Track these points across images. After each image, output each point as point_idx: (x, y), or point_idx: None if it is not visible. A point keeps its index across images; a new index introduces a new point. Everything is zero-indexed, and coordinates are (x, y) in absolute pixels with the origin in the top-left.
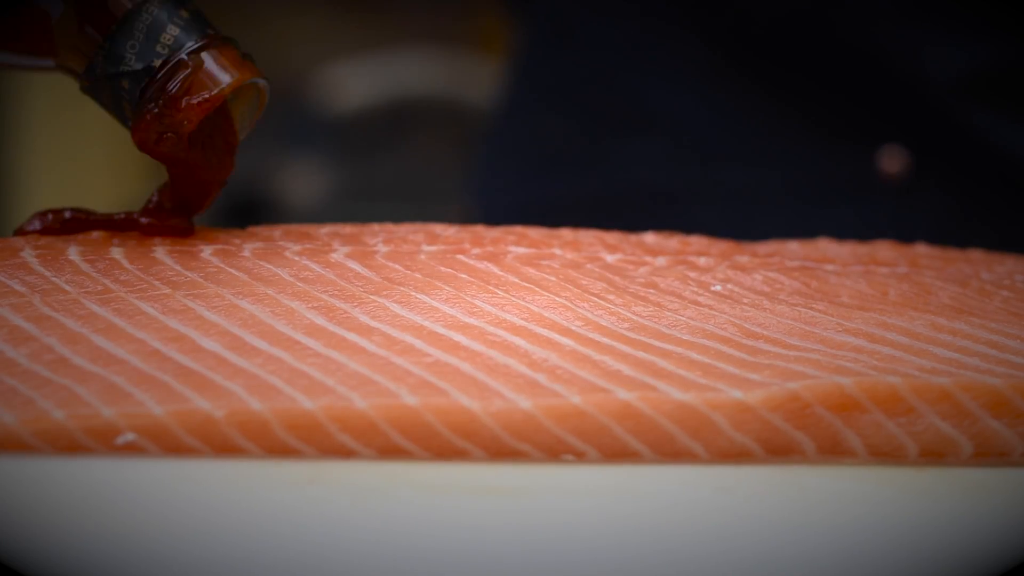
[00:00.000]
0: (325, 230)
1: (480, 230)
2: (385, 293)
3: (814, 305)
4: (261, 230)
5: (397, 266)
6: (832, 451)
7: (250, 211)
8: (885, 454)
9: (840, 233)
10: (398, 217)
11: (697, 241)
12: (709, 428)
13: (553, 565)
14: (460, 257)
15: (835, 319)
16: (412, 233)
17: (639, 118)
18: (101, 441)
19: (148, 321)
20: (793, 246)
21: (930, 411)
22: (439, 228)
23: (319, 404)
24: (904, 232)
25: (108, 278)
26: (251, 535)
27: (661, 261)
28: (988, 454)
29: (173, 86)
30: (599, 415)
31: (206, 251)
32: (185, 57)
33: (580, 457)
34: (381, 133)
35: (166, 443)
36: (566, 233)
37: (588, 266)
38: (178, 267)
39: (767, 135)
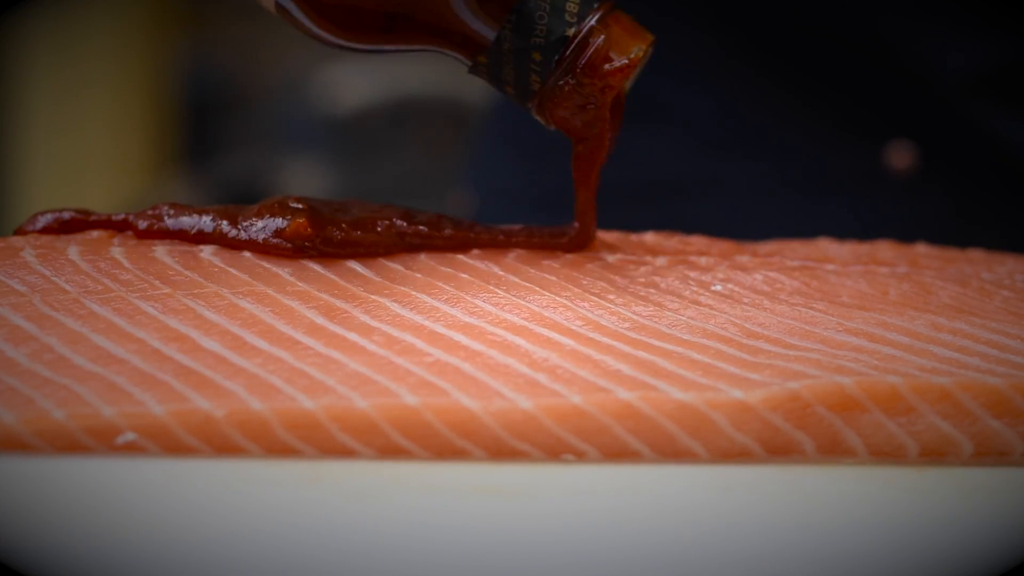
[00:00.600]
0: None
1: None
2: (385, 293)
3: (814, 305)
4: None
5: (397, 266)
6: (832, 451)
7: None
8: (885, 454)
9: (844, 229)
10: None
11: (697, 241)
12: (709, 428)
13: (553, 565)
14: (460, 257)
15: (835, 319)
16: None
17: (642, 111)
18: (101, 441)
19: (148, 321)
20: (794, 245)
21: (930, 411)
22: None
23: (319, 404)
24: (909, 229)
25: (108, 278)
26: (251, 535)
27: (661, 261)
28: (988, 454)
29: (587, 55)
30: (599, 415)
31: (206, 251)
32: (595, 24)
33: (580, 457)
34: (380, 133)
35: (166, 443)
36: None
37: (588, 266)
38: (178, 267)
39: (772, 129)
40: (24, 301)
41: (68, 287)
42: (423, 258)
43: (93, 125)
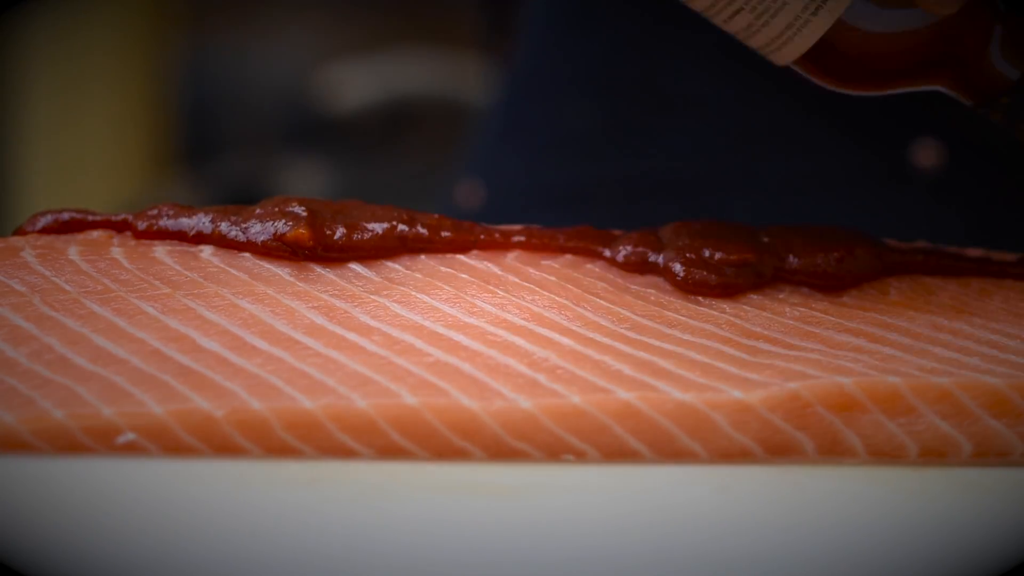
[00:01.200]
0: None
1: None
2: (385, 293)
3: (814, 305)
4: None
5: (397, 266)
6: (832, 451)
7: None
8: (885, 454)
9: (869, 227)
10: None
11: None
12: (709, 428)
13: (553, 565)
14: (460, 257)
15: (835, 319)
16: None
17: (668, 104)
18: (101, 441)
19: (148, 321)
20: None
21: (930, 411)
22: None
23: (319, 404)
24: (938, 225)
25: (108, 278)
26: (251, 535)
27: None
28: (988, 454)
29: None
30: (599, 415)
31: (206, 251)
32: None
33: (580, 457)
34: (380, 133)
35: (166, 443)
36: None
37: (588, 266)
38: (178, 267)
39: (798, 125)
40: (24, 301)
41: (68, 287)
42: (423, 258)
43: (93, 125)
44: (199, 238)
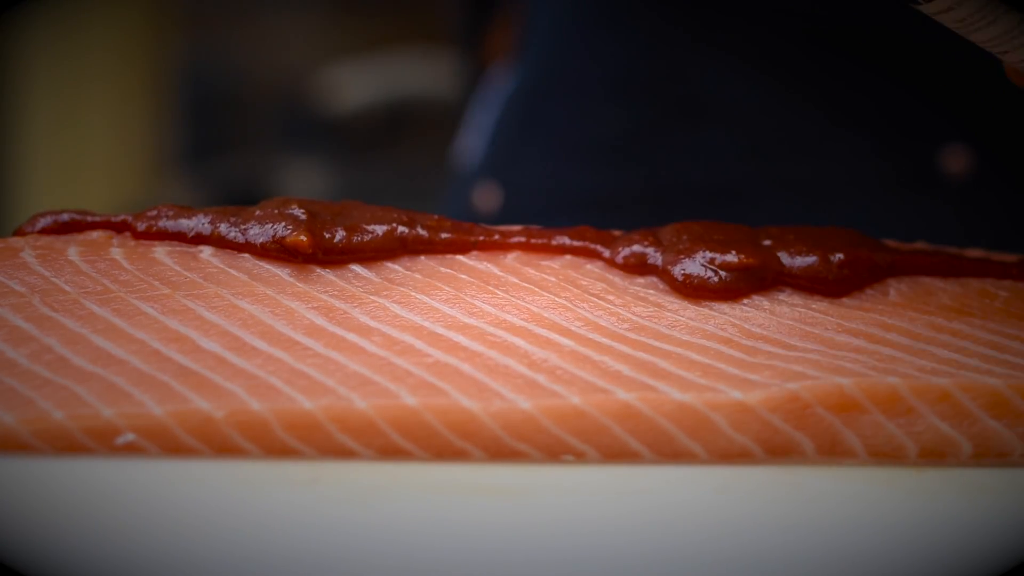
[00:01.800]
0: None
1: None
2: (385, 294)
3: (814, 305)
4: None
5: (397, 267)
6: (832, 451)
7: None
8: (885, 454)
9: (897, 232)
10: None
11: None
12: (709, 428)
13: (553, 565)
14: (460, 257)
15: (835, 319)
16: None
17: (696, 111)
18: (101, 441)
19: (148, 321)
20: None
21: (930, 411)
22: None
23: (319, 404)
24: (964, 230)
25: (108, 278)
26: (251, 535)
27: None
28: (988, 454)
29: None
30: (599, 415)
31: (206, 252)
32: None
33: (580, 457)
34: (380, 133)
35: (166, 443)
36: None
37: (588, 266)
38: (178, 267)
39: (826, 130)
40: (24, 302)
41: (68, 288)
42: (422, 259)
43: (93, 126)
44: (198, 239)
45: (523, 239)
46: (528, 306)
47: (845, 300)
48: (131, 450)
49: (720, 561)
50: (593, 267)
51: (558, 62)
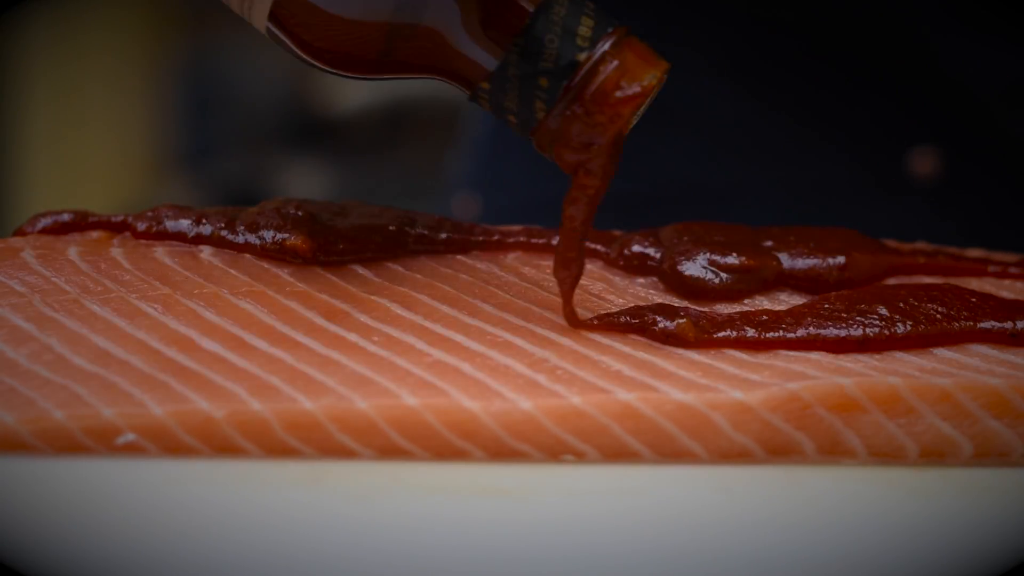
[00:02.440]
0: None
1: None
2: (385, 294)
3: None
4: None
5: (397, 267)
6: (832, 451)
7: None
8: (885, 454)
9: (872, 233)
10: None
11: None
12: (709, 428)
13: (553, 565)
14: (460, 257)
15: None
16: None
17: (663, 116)
18: (101, 441)
19: (148, 321)
20: None
21: (930, 412)
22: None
23: (319, 404)
24: (936, 233)
25: (108, 278)
26: (252, 535)
27: None
28: (988, 454)
29: (597, 82)
30: (599, 415)
31: (206, 251)
32: (608, 49)
33: (580, 457)
34: (380, 133)
35: (166, 443)
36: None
37: (588, 266)
38: (178, 268)
39: (794, 134)
40: (24, 302)
41: (68, 288)
42: (423, 259)
43: (93, 126)
44: (198, 239)
45: (523, 239)
46: (528, 306)
47: None
48: (131, 450)
49: (720, 561)
50: (593, 267)
51: None
